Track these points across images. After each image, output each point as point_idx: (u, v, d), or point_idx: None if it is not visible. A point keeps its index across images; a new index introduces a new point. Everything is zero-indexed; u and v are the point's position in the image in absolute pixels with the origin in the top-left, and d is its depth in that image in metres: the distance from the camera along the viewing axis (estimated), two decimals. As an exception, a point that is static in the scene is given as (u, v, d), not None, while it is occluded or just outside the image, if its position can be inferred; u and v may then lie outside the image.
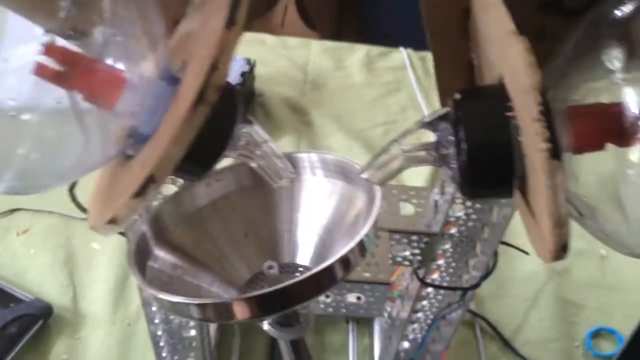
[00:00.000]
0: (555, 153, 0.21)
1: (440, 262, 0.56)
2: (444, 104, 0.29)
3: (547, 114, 0.21)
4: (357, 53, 1.16)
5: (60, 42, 0.26)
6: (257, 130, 0.31)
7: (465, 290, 0.52)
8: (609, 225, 0.27)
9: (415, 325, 0.63)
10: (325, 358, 0.73)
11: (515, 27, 0.24)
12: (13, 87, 0.24)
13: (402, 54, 1.16)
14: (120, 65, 0.26)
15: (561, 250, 0.23)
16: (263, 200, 0.42)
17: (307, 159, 0.42)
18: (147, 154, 0.24)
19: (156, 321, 0.59)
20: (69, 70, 0.23)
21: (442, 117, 0.27)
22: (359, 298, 0.59)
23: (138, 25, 0.25)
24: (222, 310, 0.33)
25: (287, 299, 0.33)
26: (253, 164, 0.32)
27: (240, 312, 0.32)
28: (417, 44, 1.14)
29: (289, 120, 1.01)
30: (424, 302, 0.59)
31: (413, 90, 1.09)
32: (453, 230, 0.53)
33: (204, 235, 0.42)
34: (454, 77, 0.31)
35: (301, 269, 0.42)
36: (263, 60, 1.07)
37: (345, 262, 0.33)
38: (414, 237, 0.53)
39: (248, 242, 0.43)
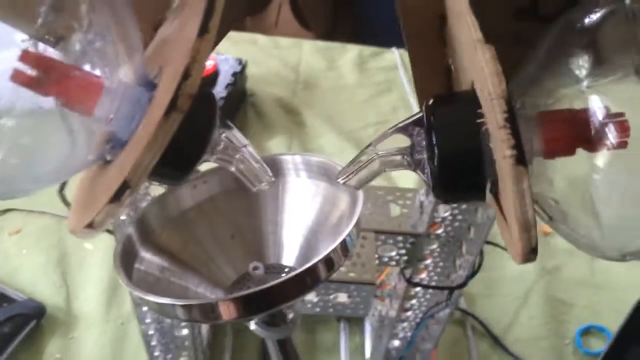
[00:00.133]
0: (520, 159, 0.21)
1: (428, 261, 0.56)
2: (422, 108, 0.30)
3: (512, 121, 0.21)
4: (349, 53, 1.17)
5: (41, 47, 0.26)
6: (235, 135, 0.31)
7: (451, 289, 0.53)
8: (582, 230, 0.27)
9: (405, 324, 0.63)
10: (317, 357, 0.74)
11: (490, 33, 0.25)
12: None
13: (394, 54, 1.17)
14: (97, 71, 0.26)
15: (530, 252, 0.23)
16: (248, 202, 0.43)
17: (291, 160, 0.42)
18: (124, 160, 0.24)
19: (147, 321, 0.60)
20: (45, 77, 0.24)
21: (417, 122, 0.28)
22: (349, 296, 0.59)
23: (114, 31, 0.26)
24: (208, 311, 0.33)
25: (271, 299, 0.33)
26: (232, 168, 0.32)
27: (226, 312, 0.33)
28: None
29: (280, 120, 1.02)
30: (413, 301, 0.60)
31: (405, 91, 1.09)
32: (440, 231, 0.53)
33: (190, 237, 0.42)
34: (432, 81, 0.32)
35: (287, 270, 0.42)
36: (255, 60, 1.07)
37: (328, 262, 0.33)
38: (400, 238, 0.53)
39: (234, 244, 0.43)
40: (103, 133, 0.27)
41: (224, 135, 0.30)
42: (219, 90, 0.92)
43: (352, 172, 0.30)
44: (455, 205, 0.48)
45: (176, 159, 0.27)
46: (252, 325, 0.40)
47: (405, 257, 0.55)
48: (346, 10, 1.49)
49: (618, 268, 0.83)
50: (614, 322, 0.73)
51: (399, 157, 0.29)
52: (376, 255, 0.56)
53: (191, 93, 0.22)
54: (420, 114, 0.28)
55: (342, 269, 0.55)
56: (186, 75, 0.22)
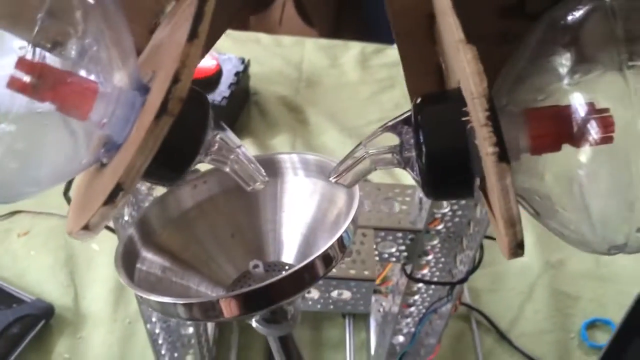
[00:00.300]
0: (502, 156, 0.21)
1: (429, 257, 0.57)
2: (414, 107, 0.30)
3: (494, 119, 0.21)
4: (352, 50, 1.17)
5: (39, 53, 0.27)
6: (229, 136, 0.31)
7: (452, 284, 0.53)
8: (572, 225, 0.27)
9: (409, 320, 0.64)
10: (323, 353, 0.75)
11: (477, 31, 0.25)
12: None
13: (396, 51, 1.16)
14: (92, 76, 0.27)
15: (517, 247, 0.24)
16: (247, 202, 0.43)
17: (289, 159, 0.43)
18: (118, 163, 0.25)
19: (153, 320, 0.60)
20: (41, 83, 0.24)
21: (405, 121, 0.28)
22: (350, 293, 0.60)
23: (107, 36, 0.26)
24: (209, 309, 0.34)
25: (271, 296, 0.33)
26: (226, 169, 0.33)
27: (226, 310, 0.33)
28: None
29: (284, 118, 1.02)
30: (416, 297, 0.60)
31: (407, 87, 1.09)
32: (440, 227, 0.54)
33: (190, 237, 0.43)
34: (423, 80, 0.32)
35: (287, 267, 0.43)
36: (258, 59, 1.07)
37: (326, 258, 0.34)
38: (399, 234, 0.53)
39: (234, 243, 0.43)
40: (99, 136, 0.27)
41: (218, 136, 0.31)
42: (222, 90, 0.92)
43: (343, 171, 0.31)
44: (454, 201, 0.48)
45: (170, 160, 0.28)
46: (254, 323, 0.41)
47: (405, 254, 0.56)
48: (350, 7, 1.49)
49: (623, 261, 0.83)
50: (619, 315, 0.73)
51: (389, 156, 0.29)
52: (376, 252, 0.56)
53: (181, 97, 0.22)
54: (409, 113, 0.28)
55: (342, 265, 0.56)
56: (176, 79, 0.22)
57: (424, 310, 0.61)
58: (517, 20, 0.30)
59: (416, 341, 0.62)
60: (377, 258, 0.57)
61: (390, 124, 0.29)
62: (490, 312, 0.78)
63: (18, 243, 0.82)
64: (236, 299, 0.33)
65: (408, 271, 0.55)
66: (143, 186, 0.50)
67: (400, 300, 0.58)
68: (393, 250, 0.55)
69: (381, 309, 0.76)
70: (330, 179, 0.32)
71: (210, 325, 0.71)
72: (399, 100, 1.07)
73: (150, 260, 0.41)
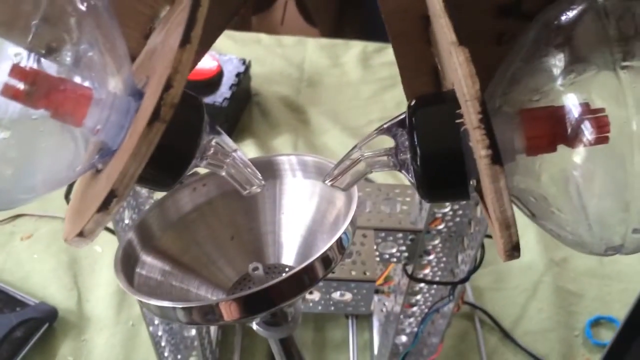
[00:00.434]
0: (496, 159, 0.21)
1: (431, 257, 0.56)
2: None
3: (486, 122, 0.21)
4: (353, 49, 1.17)
5: (35, 60, 0.27)
6: (225, 140, 0.31)
7: (454, 284, 0.53)
8: (569, 226, 0.27)
9: (412, 319, 0.64)
10: (327, 353, 0.75)
11: (473, 31, 0.25)
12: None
13: (398, 49, 1.16)
14: (87, 83, 0.27)
15: (512, 249, 0.23)
16: (246, 204, 0.43)
17: (287, 161, 0.43)
18: (112, 169, 0.25)
19: (156, 322, 0.61)
20: (35, 90, 0.24)
21: (400, 123, 0.28)
22: (350, 294, 0.60)
23: (101, 42, 0.26)
24: (208, 313, 0.34)
25: (271, 298, 0.33)
26: (223, 173, 0.33)
27: (226, 313, 0.33)
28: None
29: (285, 118, 1.02)
30: (418, 297, 0.60)
31: (409, 85, 1.09)
32: (441, 226, 0.54)
33: (190, 241, 0.43)
34: (420, 81, 0.32)
35: (287, 269, 0.43)
36: (259, 60, 1.07)
37: (325, 260, 0.34)
38: (400, 235, 0.53)
39: (234, 245, 0.43)
40: (94, 142, 0.27)
41: (213, 140, 0.31)
42: (224, 91, 0.93)
43: (338, 175, 0.31)
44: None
45: (165, 166, 0.28)
46: (254, 325, 0.41)
47: (405, 254, 0.56)
48: (352, 6, 1.49)
49: (628, 258, 0.82)
50: (623, 313, 0.73)
51: (384, 158, 0.29)
52: (377, 253, 0.56)
53: (173, 103, 0.22)
54: (404, 115, 0.28)
55: (342, 266, 0.56)
56: (168, 85, 0.22)
57: (426, 310, 0.61)
58: (514, 20, 0.29)
59: (419, 341, 0.62)
60: (377, 259, 0.57)
61: (385, 126, 0.29)
62: (494, 311, 0.78)
63: (21, 246, 0.82)
64: (236, 302, 0.33)
65: (409, 271, 0.55)
66: (143, 189, 0.50)
67: (402, 300, 0.58)
68: (394, 250, 0.55)
69: (384, 309, 0.76)
70: (326, 182, 0.32)
71: (213, 328, 0.71)
72: (400, 99, 1.07)
73: (150, 264, 0.41)
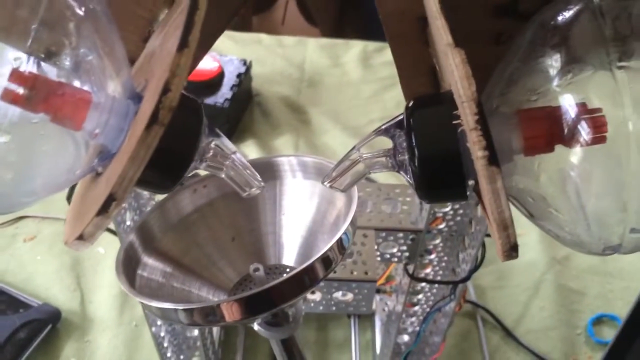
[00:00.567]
0: (492, 160, 0.21)
1: (432, 256, 0.57)
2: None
3: (483, 123, 0.21)
4: (354, 49, 1.17)
5: (33, 64, 0.27)
6: (224, 142, 0.32)
7: (454, 283, 0.53)
8: (568, 226, 0.27)
9: (414, 319, 0.64)
10: (329, 353, 0.75)
11: (470, 31, 0.25)
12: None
13: (399, 48, 1.16)
14: (87, 86, 0.27)
15: (510, 250, 0.23)
16: (247, 205, 0.43)
17: (287, 162, 0.43)
18: (111, 172, 0.25)
19: (158, 323, 0.61)
20: (34, 94, 0.25)
21: (398, 124, 0.28)
22: (351, 294, 0.60)
23: (100, 46, 0.26)
24: (209, 314, 0.34)
25: (271, 299, 0.34)
26: (222, 175, 0.33)
27: (227, 314, 0.33)
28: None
29: (286, 119, 1.02)
30: (420, 296, 0.60)
31: (410, 84, 1.09)
32: (442, 226, 0.54)
33: (191, 242, 0.43)
34: (418, 82, 0.32)
35: (288, 270, 0.43)
36: (259, 60, 1.08)
37: (325, 261, 0.34)
38: (400, 235, 0.53)
39: (235, 247, 0.44)
40: (94, 146, 0.27)
41: (212, 143, 0.31)
42: (225, 92, 0.93)
43: (337, 176, 0.31)
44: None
45: (164, 168, 0.28)
46: (255, 326, 0.41)
47: (406, 254, 0.56)
48: (352, 5, 1.49)
49: (630, 256, 0.82)
50: (626, 311, 0.73)
51: (382, 159, 0.29)
52: (377, 253, 0.56)
53: (171, 106, 0.22)
54: (402, 116, 0.28)
55: (343, 267, 0.56)
56: (166, 89, 0.22)
57: (428, 309, 0.61)
58: (511, 20, 0.30)
59: (421, 340, 0.62)
60: (378, 259, 0.57)
61: (383, 127, 0.29)
62: (496, 309, 0.78)
63: (24, 248, 0.82)
64: (237, 303, 0.33)
65: (410, 271, 0.55)
66: (145, 191, 0.51)
67: (404, 300, 0.58)
68: (394, 250, 0.55)
69: (386, 308, 0.76)
70: (325, 184, 0.32)
71: (215, 328, 0.71)
72: (401, 99, 1.05)
73: (151, 266, 0.41)
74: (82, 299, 0.77)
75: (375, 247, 0.56)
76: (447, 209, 0.52)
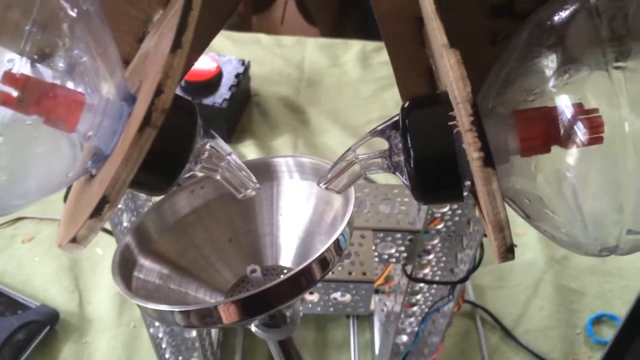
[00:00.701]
0: (488, 161, 0.21)
1: (431, 257, 0.56)
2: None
3: (478, 124, 0.21)
4: (352, 49, 1.17)
5: (26, 65, 0.27)
6: (219, 144, 0.31)
7: (453, 284, 0.53)
8: (565, 227, 0.27)
9: (412, 319, 0.63)
10: (328, 353, 0.75)
11: (466, 31, 0.25)
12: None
13: (398, 47, 1.16)
14: (80, 88, 0.27)
15: (506, 251, 0.23)
16: (244, 206, 0.43)
17: (284, 163, 0.43)
18: (105, 174, 0.25)
19: (157, 324, 0.61)
20: (27, 96, 0.24)
21: (393, 125, 0.28)
22: (349, 295, 0.60)
23: (93, 47, 0.26)
24: (206, 316, 0.34)
25: (269, 300, 0.33)
26: (217, 177, 0.33)
27: (224, 316, 0.33)
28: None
29: (285, 119, 1.02)
30: (418, 296, 0.60)
31: (409, 84, 1.09)
32: (440, 226, 0.53)
33: (188, 244, 0.43)
34: (414, 82, 0.32)
35: (285, 271, 0.43)
36: (258, 60, 1.07)
37: (322, 262, 0.34)
38: (398, 235, 0.53)
39: (232, 248, 0.43)
40: (88, 147, 0.27)
41: (207, 144, 0.31)
42: (223, 92, 0.92)
43: (333, 177, 0.31)
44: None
45: (158, 170, 0.28)
46: (253, 328, 0.41)
47: (404, 254, 0.55)
48: (352, 5, 1.49)
49: (629, 255, 0.82)
50: (625, 310, 0.73)
51: (378, 160, 0.29)
52: (375, 253, 0.56)
53: (164, 108, 0.22)
54: (397, 117, 0.28)
55: (341, 267, 0.56)
56: (159, 91, 0.22)
57: (426, 310, 0.61)
58: (507, 20, 0.29)
59: (419, 340, 0.62)
60: (376, 259, 0.57)
61: (379, 128, 0.29)
62: (495, 309, 0.78)
63: (22, 249, 0.82)
64: (234, 305, 0.33)
65: (409, 271, 0.55)
66: (140, 193, 0.50)
67: (402, 300, 0.58)
68: (392, 251, 0.55)
69: (384, 309, 0.76)
70: (320, 185, 0.32)
71: (214, 329, 0.71)
72: (400, 98, 1.07)
73: (148, 267, 0.41)
74: (80, 300, 0.77)
75: (373, 247, 0.56)
76: (445, 210, 0.52)
